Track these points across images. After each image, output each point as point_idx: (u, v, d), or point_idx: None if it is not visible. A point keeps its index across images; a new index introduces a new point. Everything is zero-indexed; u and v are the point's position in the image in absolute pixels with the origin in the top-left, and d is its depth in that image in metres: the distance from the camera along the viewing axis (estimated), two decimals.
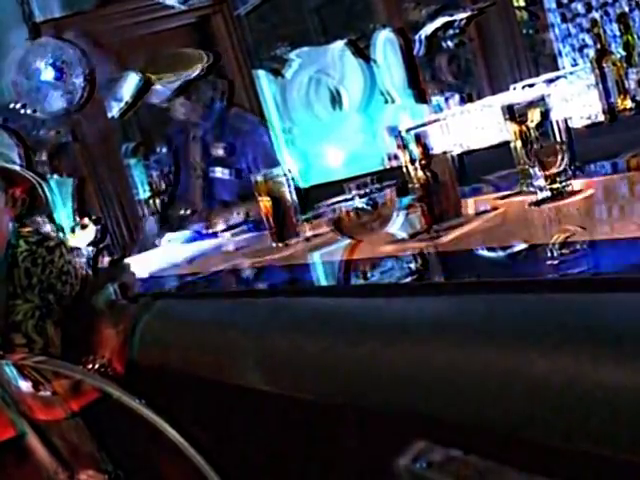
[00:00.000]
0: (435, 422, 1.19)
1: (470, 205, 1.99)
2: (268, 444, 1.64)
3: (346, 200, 2.00)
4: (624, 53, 2.00)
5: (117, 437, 1.91)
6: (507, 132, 1.78)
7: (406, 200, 2.01)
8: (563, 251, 1.35)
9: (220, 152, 3.57)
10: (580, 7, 2.49)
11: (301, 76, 3.30)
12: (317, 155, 3.24)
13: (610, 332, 0.98)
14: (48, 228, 2.90)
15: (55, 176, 3.44)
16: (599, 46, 1.99)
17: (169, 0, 3.53)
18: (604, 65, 1.86)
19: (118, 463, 1.89)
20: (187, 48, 3.76)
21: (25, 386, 1.88)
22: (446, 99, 2.74)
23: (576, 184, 1.75)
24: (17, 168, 3.11)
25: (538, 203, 1.72)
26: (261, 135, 3.56)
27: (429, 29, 2.93)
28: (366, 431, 1.36)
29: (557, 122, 1.74)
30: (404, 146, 1.92)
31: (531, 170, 1.74)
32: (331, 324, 1.47)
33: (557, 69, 2.49)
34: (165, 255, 3.01)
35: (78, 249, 2.74)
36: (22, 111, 3.39)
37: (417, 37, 2.96)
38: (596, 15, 2.41)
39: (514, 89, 2.04)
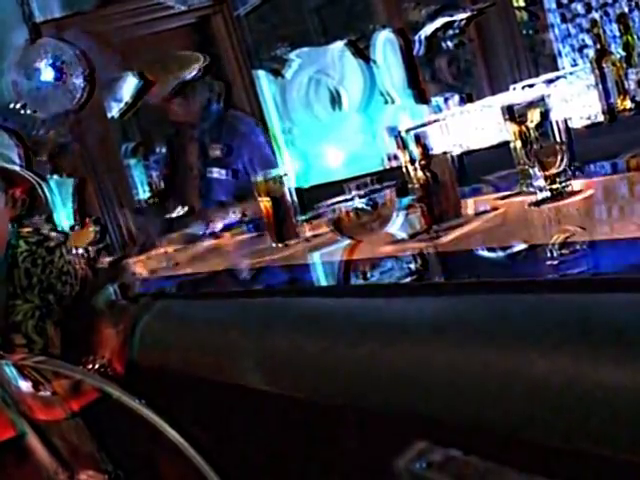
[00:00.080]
0: (435, 423, 1.19)
1: (470, 205, 1.99)
2: (268, 444, 1.64)
3: (346, 200, 1.99)
4: (624, 53, 2.01)
5: (117, 437, 1.91)
6: (507, 132, 1.78)
7: (406, 200, 2.01)
8: (563, 251, 1.35)
9: (217, 153, 3.59)
10: (580, 7, 2.50)
11: (301, 76, 3.30)
12: (317, 155, 3.24)
13: (610, 332, 0.98)
14: (48, 228, 2.90)
15: (55, 176, 3.44)
16: (599, 46, 1.99)
17: (169, 0, 3.53)
18: (604, 65, 1.86)
19: (118, 463, 1.89)
20: (186, 49, 3.76)
21: (25, 386, 1.88)
22: (446, 99, 2.75)
23: (576, 184, 1.75)
24: (17, 168, 3.12)
25: (538, 203, 1.72)
26: (257, 136, 3.59)
27: (429, 29, 2.94)
28: (366, 431, 1.36)
29: (557, 122, 1.74)
30: (404, 146, 1.92)
31: (531, 170, 1.74)
32: (331, 324, 1.47)
33: (557, 69, 2.49)
34: (164, 255, 3.00)
35: (78, 249, 2.74)
36: (22, 111, 3.40)
37: (417, 37, 2.97)
38: (596, 15, 2.42)
39: (514, 89, 2.04)
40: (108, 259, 3.00)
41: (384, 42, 3.04)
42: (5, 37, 3.40)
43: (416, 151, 1.88)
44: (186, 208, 3.57)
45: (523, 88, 1.97)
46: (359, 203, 1.97)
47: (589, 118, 1.86)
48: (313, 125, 3.29)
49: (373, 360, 1.29)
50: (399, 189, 2.00)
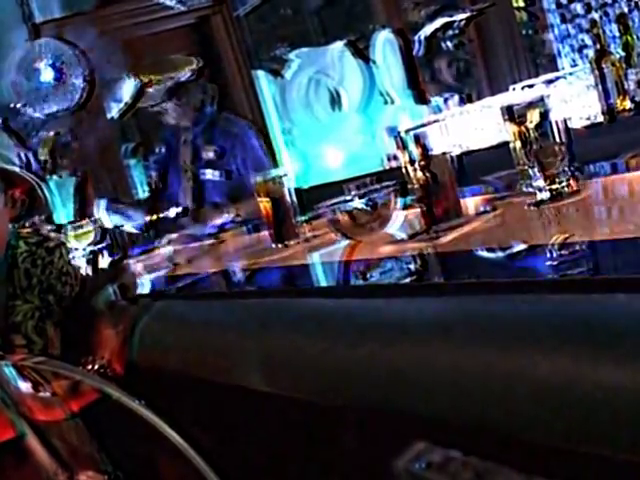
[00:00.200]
0: (434, 423, 1.19)
1: (469, 206, 1.99)
2: (268, 445, 1.64)
3: (345, 201, 1.99)
4: (623, 54, 2.00)
5: (117, 438, 1.90)
6: (506, 133, 1.78)
7: (405, 201, 2.01)
8: (563, 252, 1.35)
9: (210, 155, 3.61)
10: (579, 8, 2.50)
11: (300, 77, 3.30)
12: (316, 156, 3.24)
13: (611, 333, 0.98)
14: (48, 229, 2.90)
15: (55, 177, 3.44)
16: (598, 47, 1.99)
17: (169, 1, 3.53)
18: (603, 66, 1.86)
19: (118, 464, 1.89)
20: (185, 49, 3.77)
21: (25, 387, 1.88)
22: (445, 100, 2.75)
23: (575, 185, 1.75)
24: (16, 169, 3.12)
25: (537, 204, 1.72)
26: (250, 138, 3.61)
27: (428, 30, 2.93)
28: (366, 432, 1.36)
29: (556, 123, 1.74)
30: (403, 147, 1.92)
31: (530, 171, 1.74)
32: (331, 325, 1.47)
33: (556, 70, 2.49)
34: (164, 255, 3.01)
35: (78, 249, 2.74)
36: (22, 112, 3.40)
37: (416, 38, 2.97)
38: (595, 16, 2.42)
39: (513, 90, 2.04)
40: (108, 259, 3.00)
41: (384, 42, 3.04)
42: (5, 37, 3.40)
43: (416, 151, 1.88)
44: (179, 209, 3.57)
45: (523, 88, 1.97)
46: (359, 203, 1.97)
47: (589, 118, 1.86)
48: (313, 125, 3.29)
49: (373, 360, 1.29)
50: (399, 189, 2.00)
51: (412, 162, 1.87)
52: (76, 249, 2.76)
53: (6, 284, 2.10)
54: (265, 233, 2.41)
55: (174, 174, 3.75)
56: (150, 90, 3.61)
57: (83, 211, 3.37)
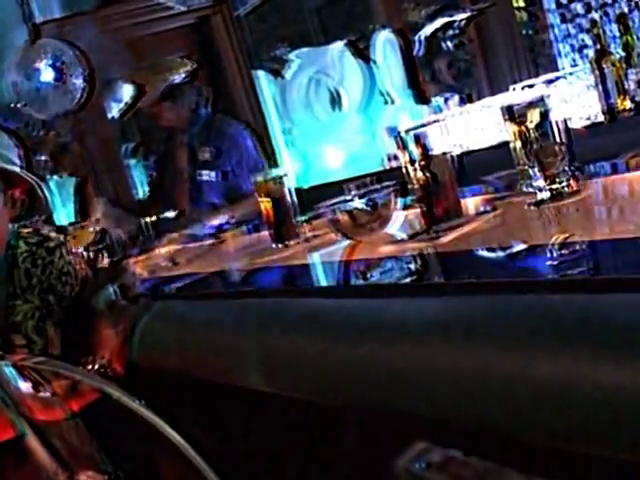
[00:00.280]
0: (434, 423, 1.19)
1: (470, 206, 1.99)
2: (268, 445, 1.64)
3: (345, 201, 1.99)
4: (624, 54, 2.00)
5: (117, 438, 1.90)
6: (506, 133, 1.78)
7: (405, 201, 2.01)
8: (563, 251, 1.35)
9: (206, 156, 3.63)
10: (580, 8, 2.50)
11: (301, 77, 3.30)
12: (317, 156, 3.25)
13: (610, 333, 0.98)
14: (48, 229, 2.90)
15: (55, 177, 3.44)
16: (599, 47, 1.99)
17: (169, 1, 3.54)
18: (604, 66, 1.86)
19: (118, 464, 1.89)
20: (185, 49, 3.77)
21: (25, 387, 1.88)
22: (446, 100, 2.75)
23: (575, 185, 1.75)
24: (16, 169, 3.11)
25: (538, 204, 1.72)
26: (245, 139, 3.62)
27: (429, 30, 2.93)
28: (366, 432, 1.36)
29: (557, 123, 1.74)
30: (404, 147, 1.92)
31: (530, 171, 1.74)
32: (331, 325, 1.47)
33: (557, 70, 2.49)
34: (164, 255, 3.01)
35: (78, 249, 2.74)
36: (22, 112, 3.40)
37: (417, 38, 2.97)
38: (595, 16, 2.42)
39: (514, 90, 2.04)
40: (108, 259, 3.00)
41: (384, 42, 3.04)
42: (5, 37, 3.40)
43: (416, 151, 1.88)
44: (176, 211, 3.59)
45: (523, 88, 1.97)
46: (359, 203, 1.97)
47: (589, 118, 1.86)
48: (313, 125, 3.30)
49: (373, 360, 1.28)
50: (399, 189, 2.00)
51: (412, 162, 1.87)
52: (76, 249, 2.76)
53: (6, 284, 2.10)
54: (265, 233, 2.41)
55: (171, 176, 3.76)
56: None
57: (83, 211, 3.37)
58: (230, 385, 1.67)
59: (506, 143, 1.80)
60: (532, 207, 1.72)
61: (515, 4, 2.77)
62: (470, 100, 2.58)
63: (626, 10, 2.29)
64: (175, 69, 3.66)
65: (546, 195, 1.71)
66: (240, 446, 1.74)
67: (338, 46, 3.17)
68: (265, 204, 2.29)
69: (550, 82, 1.90)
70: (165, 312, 2.08)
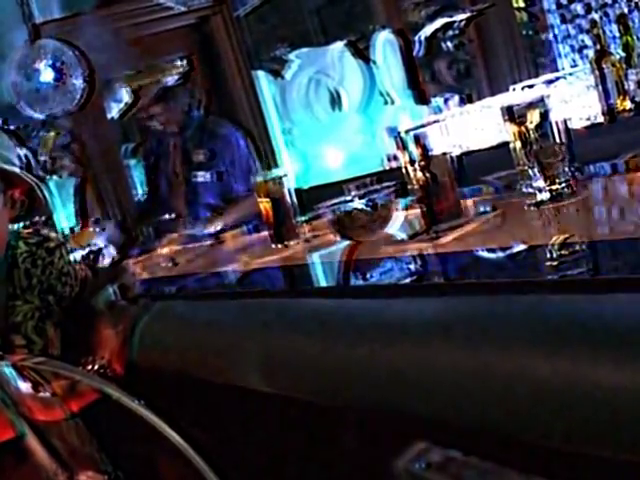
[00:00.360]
0: (434, 423, 1.19)
1: (469, 206, 1.99)
2: (268, 445, 1.64)
3: (345, 201, 2.00)
4: (623, 54, 2.01)
5: (117, 438, 1.90)
6: (506, 133, 1.78)
7: (405, 201, 2.01)
8: (563, 252, 1.35)
9: (201, 157, 3.63)
10: (579, 8, 2.50)
11: (301, 77, 3.31)
12: (316, 156, 3.25)
13: (611, 333, 0.98)
14: (47, 230, 2.90)
15: (55, 177, 3.44)
16: (598, 47, 1.99)
17: (169, 1, 3.54)
18: (603, 66, 1.86)
19: (118, 464, 1.89)
20: (185, 50, 3.77)
21: (25, 387, 1.88)
22: (445, 100, 2.75)
23: (575, 185, 1.75)
24: (16, 170, 3.11)
25: (537, 204, 1.72)
26: (238, 139, 3.62)
27: (429, 30, 2.94)
28: (366, 432, 1.36)
29: (556, 123, 1.74)
30: (403, 147, 1.92)
31: (530, 171, 1.74)
32: (331, 325, 1.47)
33: (556, 70, 2.50)
34: (164, 256, 3.01)
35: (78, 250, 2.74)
36: (22, 112, 3.40)
37: (417, 38, 2.97)
38: (595, 16, 2.42)
39: (513, 90, 2.04)
40: (108, 260, 3.00)
41: (384, 43, 3.04)
42: (5, 37, 3.40)
43: (416, 152, 1.88)
44: (173, 215, 3.59)
45: (523, 89, 1.97)
46: (359, 204, 1.97)
47: (589, 119, 1.86)
48: (313, 126, 3.30)
49: (373, 360, 1.28)
50: (399, 190, 2.00)
51: (412, 162, 1.87)
52: (76, 250, 2.76)
53: (6, 284, 2.10)
54: (265, 233, 2.41)
55: (166, 178, 3.76)
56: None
57: (83, 212, 3.37)
58: (230, 385, 1.67)
59: (506, 143, 1.80)
60: (532, 207, 1.72)
61: (515, 5, 2.77)
62: (470, 100, 2.58)
63: (626, 10, 2.30)
64: (168, 71, 3.66)
65: (546, 196, 1.71)
66: (240, 446, 1.74)
67: (338, 46, 3.18)
68: (265, 204, 2.29)
69: (550, 82, 1.91)
70: (165, 312, 2.08)
